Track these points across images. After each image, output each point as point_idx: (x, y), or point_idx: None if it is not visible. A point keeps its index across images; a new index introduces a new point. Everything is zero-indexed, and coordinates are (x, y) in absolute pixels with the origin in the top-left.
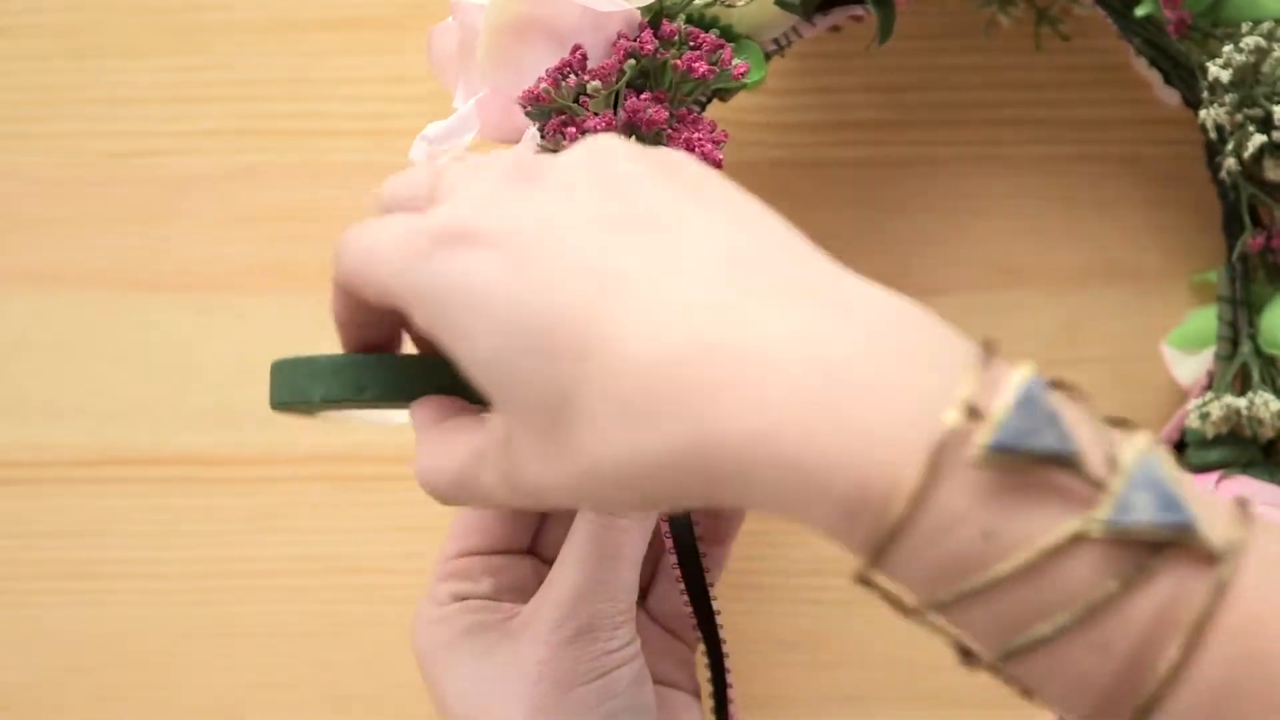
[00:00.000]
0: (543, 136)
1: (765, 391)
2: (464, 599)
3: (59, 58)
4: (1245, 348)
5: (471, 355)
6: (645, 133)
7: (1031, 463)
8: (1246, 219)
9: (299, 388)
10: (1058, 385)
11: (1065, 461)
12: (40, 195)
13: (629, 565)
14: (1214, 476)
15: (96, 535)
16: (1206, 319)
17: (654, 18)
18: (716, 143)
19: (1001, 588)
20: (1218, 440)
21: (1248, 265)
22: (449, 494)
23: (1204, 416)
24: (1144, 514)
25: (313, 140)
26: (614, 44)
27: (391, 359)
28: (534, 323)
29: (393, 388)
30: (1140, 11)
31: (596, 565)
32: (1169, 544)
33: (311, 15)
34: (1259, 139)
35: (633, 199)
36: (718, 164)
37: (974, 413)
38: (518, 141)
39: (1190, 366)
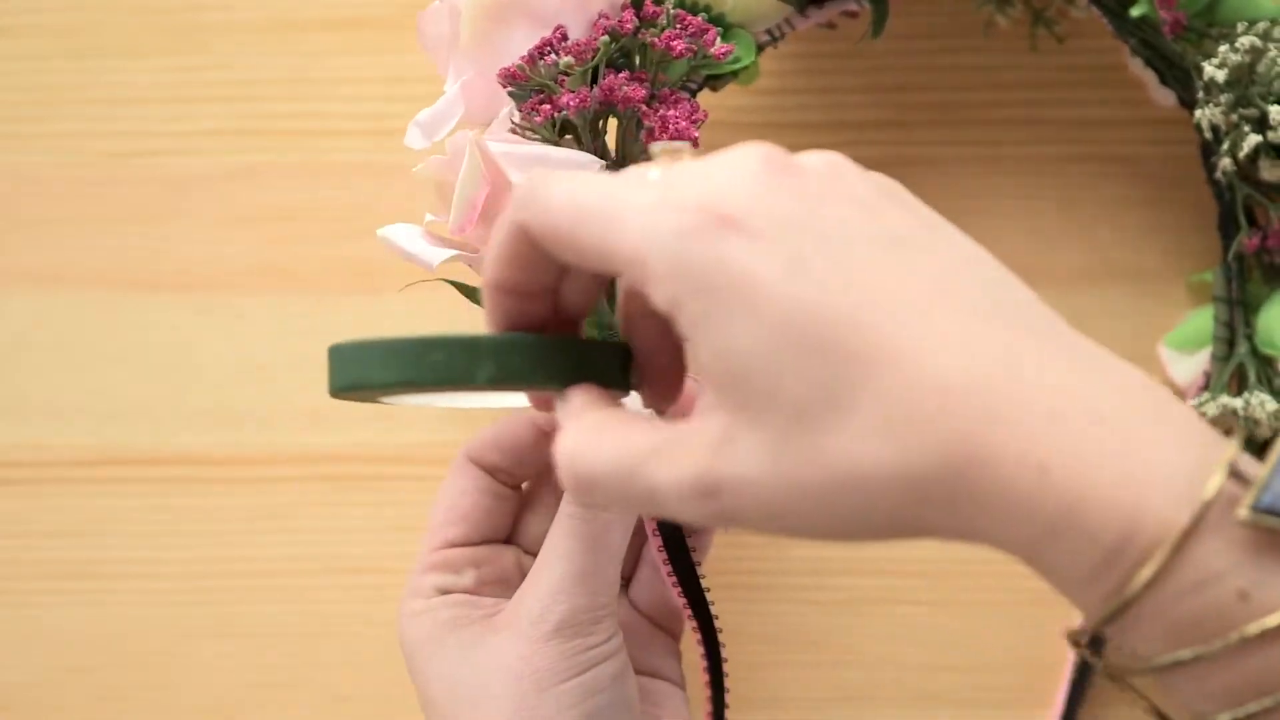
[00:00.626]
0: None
1: (1043, 427)
2: (446, 592)
3: (59, 58)
4: (1242, 348)
5: (726, 344)
6: (621, 110)
7: None
8: (1242, 219)
9: (450, 368)
10: None
11: None
12: (40, 195)
13: (610, 559)
14: None
15: (96, 535)
16: (1203, 319)
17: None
18: (694, 122)
19: (1247, 649)
20: None
21: (1244, 265)
22: (599, 481)
23: (1200, 417)
24: None
25: (313, 140)
26: (595, 23)
27: (559, 339)
28: (810, 321)
29: (557, 370)
30: (1135, 12)
31: (578, 559)
32: None
33: (311, 15)
34: (1254, 139)
35: (885, 221)
36: (693, 143)
37: (1237, 476)
38: None
39: (1187, 367)
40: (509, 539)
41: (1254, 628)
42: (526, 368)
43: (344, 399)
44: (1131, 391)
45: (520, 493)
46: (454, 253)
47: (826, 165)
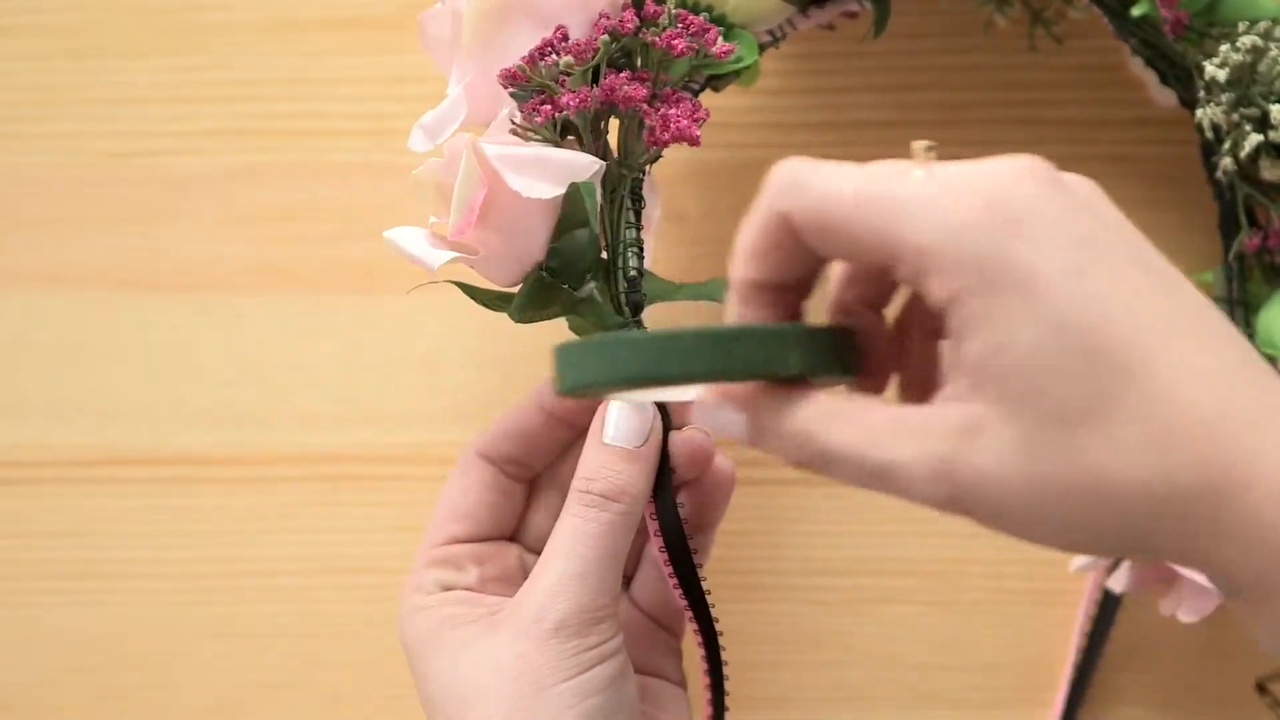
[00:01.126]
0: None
1: None
2: (449, 588)
3: (59, 58)
4: None
5: (1002, 339)
6: (623, 110)
7: None
8: (1243, 219)
9: (761, 359)
10: None
11: None
12: (40, 195)
13: (612, 559)
14: None
15: (96, 535)
16: None
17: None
18: (696, 120)
19: None
20: None
21: (1244, 265)
22: (835, 457)
23: None
24: None
25: (313, 140)
26: (595, 23)
27: (833, 327)
28: (1088, 328)
29: (835, 357)
30: (1136, 11)
31: (579, 558)
32: None
33: (311, 15)
34: (1255, 138)
35: (1141, 250)
36: (695, 141)
37: None
38: None
39: None
40: (513, 537)
41: None
42: (820, 356)
43: (579, 396)
44: None
45: (527, 487)
46: (455, 255)
47: (1087, 187)
